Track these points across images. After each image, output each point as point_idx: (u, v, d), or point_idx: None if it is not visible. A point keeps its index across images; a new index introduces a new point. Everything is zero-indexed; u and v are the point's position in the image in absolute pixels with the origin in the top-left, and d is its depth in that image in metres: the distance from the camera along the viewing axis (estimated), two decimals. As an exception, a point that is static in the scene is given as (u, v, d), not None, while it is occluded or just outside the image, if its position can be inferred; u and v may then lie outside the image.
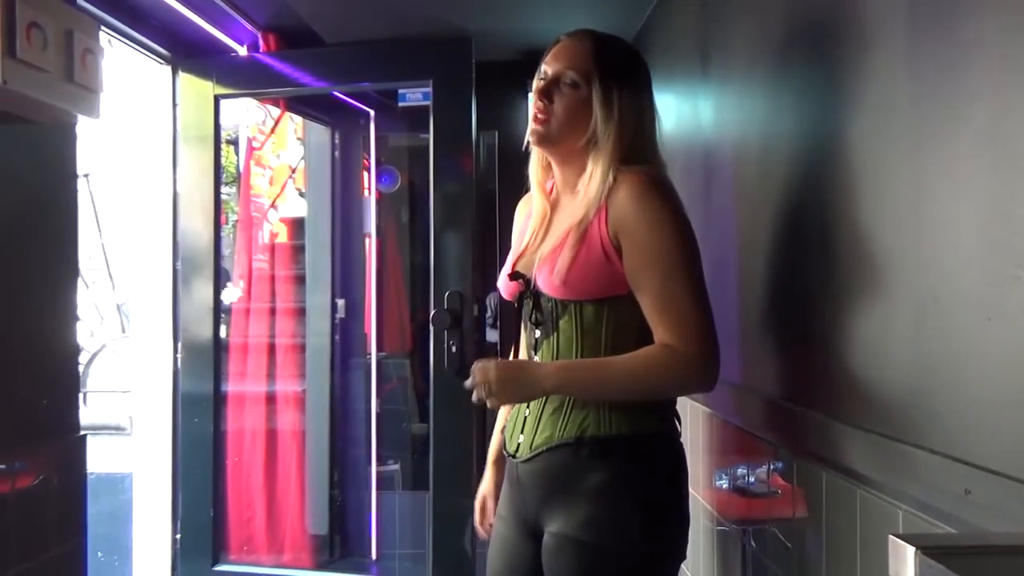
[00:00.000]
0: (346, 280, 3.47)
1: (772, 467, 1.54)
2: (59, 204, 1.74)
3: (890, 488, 1.06)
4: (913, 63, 1.04)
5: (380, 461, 3.33)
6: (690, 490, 2.10)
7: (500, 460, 1.52)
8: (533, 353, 1.37)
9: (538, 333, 1.35)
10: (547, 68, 1.31)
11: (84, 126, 1.70)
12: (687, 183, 2.22)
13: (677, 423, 1.39)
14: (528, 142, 1.35)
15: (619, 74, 1.28)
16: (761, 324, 1.64)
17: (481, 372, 1.25)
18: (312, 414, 3.38)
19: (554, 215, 1.38)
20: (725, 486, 1.86)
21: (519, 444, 1.36)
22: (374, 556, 3.28)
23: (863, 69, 1.18)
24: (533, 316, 1.34)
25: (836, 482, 1.23)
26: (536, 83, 1.32)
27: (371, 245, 3.43)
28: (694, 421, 2.07)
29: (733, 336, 1.82)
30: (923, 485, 0.97)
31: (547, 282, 1.29)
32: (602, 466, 1.27)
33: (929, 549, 0.56)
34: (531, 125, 1.30)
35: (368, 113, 3.36)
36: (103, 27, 2.09)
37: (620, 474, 1.27)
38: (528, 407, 1.37)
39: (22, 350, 1.61)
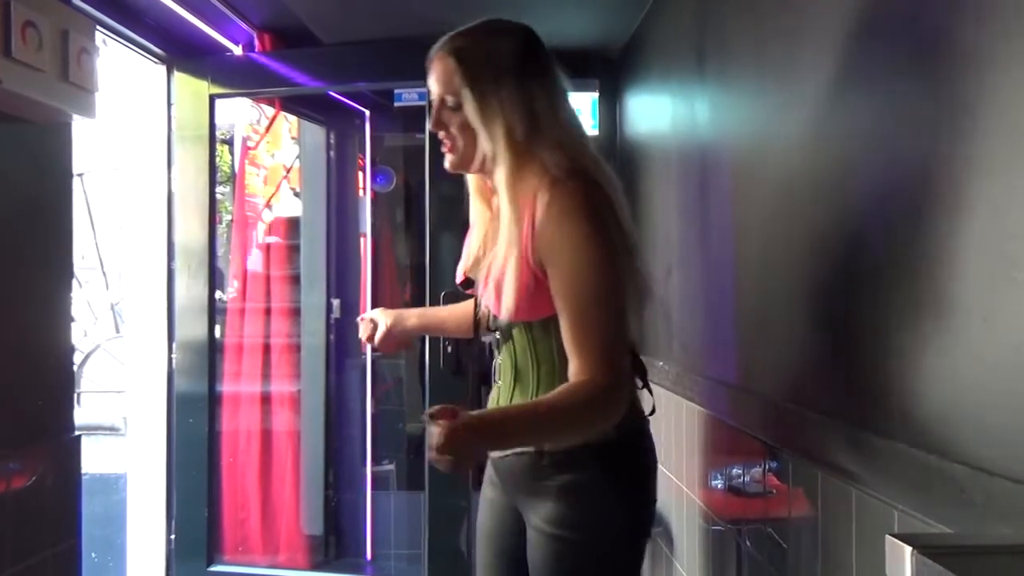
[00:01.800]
0: (341, 280, 3.46)
1: (767, 467, 1.54)
2: (54, 204, 1.74)
3: (886, 488, 1.06)
4: (913, 67, 1.04)
5: (375, 461, 3.33)
6: (685, 489, 2.10)
7: (421, 312, 1.59)
8: (496, 353, 1.41)
9: (497, 337, 1.39)
10: (431, 92, 1.27)
11: (79, 125, 1.69)
12: (683, 184, 2.22)
13: (645, 406, 1.40)
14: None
15: (489, 74, 1.21)
16: (757, 324, 1.65)
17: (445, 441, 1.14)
18: (307, 414, 3.37)
19: (498, 221, 1.36)
20: (720, 486, 1.86)
21: None
22: (369, 556, 3.28)
23: (861, 70, 1.18)
24: (488, 320, 1.38)
25: (832, 482, 1.23)
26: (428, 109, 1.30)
27: (366, 245, 3.43)
28: (689, 421, 2.08)
29: (729, 336, 1.83)
30: (919, 485, 0.97)
31: (494, 309, 1.30)
32: (569, 469, 1.30)
33: (926, 549, 0.57)
34: (445, 155, 1.30)
35: (363, 113, 3.36)
36: (98, 26, 2.08)
37: (586, 476, 1.29)
38: (498, 402, 1.41)
39: (16, 350, 1.60)
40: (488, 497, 1.47)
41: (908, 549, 0.57)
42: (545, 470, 1.31)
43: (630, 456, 1.36)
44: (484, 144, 1.21)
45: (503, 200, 1.22)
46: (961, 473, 0.89)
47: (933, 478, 0.94)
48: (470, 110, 1.21)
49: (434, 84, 1.27)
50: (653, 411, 1.42)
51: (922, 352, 1.01)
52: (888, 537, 0.60)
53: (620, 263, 1.23)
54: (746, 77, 1.70)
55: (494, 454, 1.38)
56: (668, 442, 2.33)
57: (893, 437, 1.06)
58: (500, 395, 1.41)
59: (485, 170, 1.28)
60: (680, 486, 2.19)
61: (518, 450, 1.33)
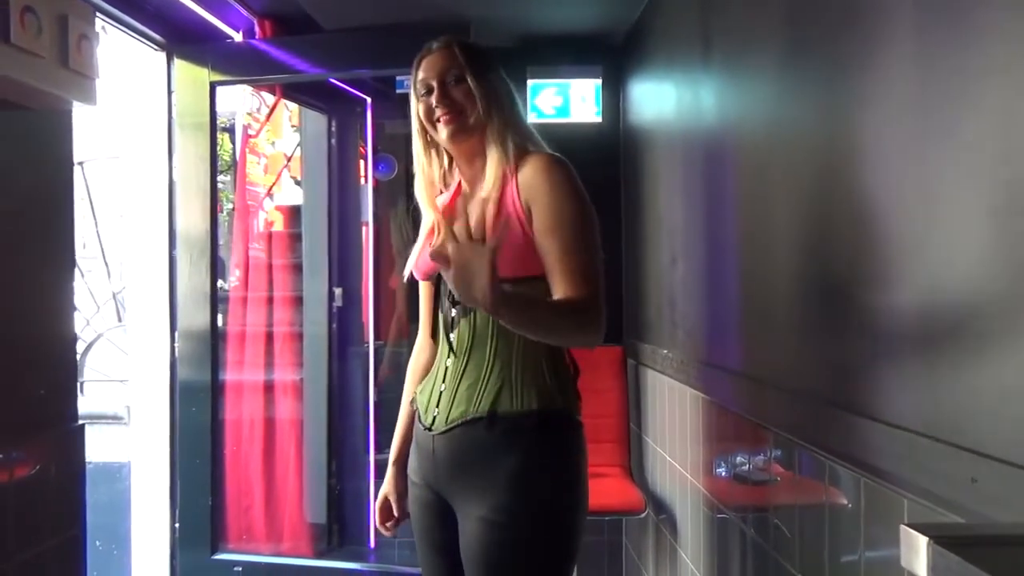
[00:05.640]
0: (343, 268, 3.45)
1: (772, 455, 1.54)
2: (55, 192, 1.73)
3: (895, 476, 1.06)
4: (921, 47, 1.03)
5: (378, 449, 3.33)
6: (689, 477, 2.10)
7: (402, 460, 1.60)
8: (449, 332, 1.42)
9: (455, 312, 1.41)
10: (428, 79, 1.41)
11: (80, 113, 1.68)
12: (688, 172, 2.20)
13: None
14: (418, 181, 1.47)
15: (486, 65, 1.43)
16: (762, 310, 1.64)
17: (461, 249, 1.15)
18: (310, 403, 3.37)
19: (467, 207, 1.45)
20: (724, 474, 1.86)
21: (435, 417, 1.42)
22: (372, 544, 3.28)
23: (870, 52, 1.16)
24: (452, 295, 1.39)
25: (839, 470, 1.22)
26: (420, 95, 1.42)
27: (368, 233, 3.42)
28: (693, 408, 2.07)
29: (733, 322, 1.82)
30: (929, 473, 0.97)
31: None
32: (515, 448, 1.32)
33: (942, 539, 0.56)
34: (443, 128, 1.39)
35: (364, 100, 3.33)
36: (98, 13, 2.07)
37: (532, 458, 1.33)
38: (444, 382, 1.42)
39: (18, 340, 1.60)
40: (416, 497, 1.50)
41: (924, 539, 0.56)
42: (497, 440, 1.33)
43: (572, 431, 1.39)
44: (483, 105, 1.38)
45: (494, 148, 1.38)
46: (972, 461, 0.88)
47: (944, 466, 0.94)
48: (472, 81, 1.39)
49: (434, 68, 1.41)
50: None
51: (933, 337, 1.00)
52: (903, 527, 0.59)
53: (595, 220, 1.36)
54: (751, 63, 1.69)
55: (439, 427, 1.39)
56: (672, 430, 2.32)
57: (902, 425, 1.05)
58: (450, 372, 1.41)
59: (475, 135, 1.40)
60: (684, 474, 2.18)
61: (469, 417, 1.35)
